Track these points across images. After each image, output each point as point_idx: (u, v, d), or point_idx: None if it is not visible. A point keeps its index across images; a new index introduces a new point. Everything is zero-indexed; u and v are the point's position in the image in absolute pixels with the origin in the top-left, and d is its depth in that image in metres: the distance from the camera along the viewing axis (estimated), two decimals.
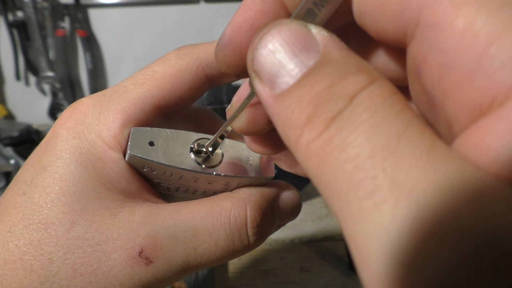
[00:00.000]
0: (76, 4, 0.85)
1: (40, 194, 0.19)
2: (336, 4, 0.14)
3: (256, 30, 0.15)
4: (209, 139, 0.22)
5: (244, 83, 0.18)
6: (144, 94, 0.21)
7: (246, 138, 0.20)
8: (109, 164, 0.20)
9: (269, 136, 0.19)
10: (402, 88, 0.18)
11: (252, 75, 0.14)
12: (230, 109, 0.19)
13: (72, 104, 0.21)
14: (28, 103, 0.95)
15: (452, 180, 0.10)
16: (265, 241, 0.62)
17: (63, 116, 0.21)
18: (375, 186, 0.10)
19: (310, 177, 0.12)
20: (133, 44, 0.92)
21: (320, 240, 0.64)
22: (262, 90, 0.13)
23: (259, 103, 0.17)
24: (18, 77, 0.91)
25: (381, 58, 0.16)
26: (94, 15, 0.89)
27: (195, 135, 0.22)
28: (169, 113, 0.22)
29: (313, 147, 0.12)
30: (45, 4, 0.83)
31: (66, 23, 0.88)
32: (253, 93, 0.16)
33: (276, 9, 0.15)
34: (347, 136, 0.11)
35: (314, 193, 0.71)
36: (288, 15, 0.15)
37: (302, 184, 0.69)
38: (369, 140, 0.11)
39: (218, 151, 0.22)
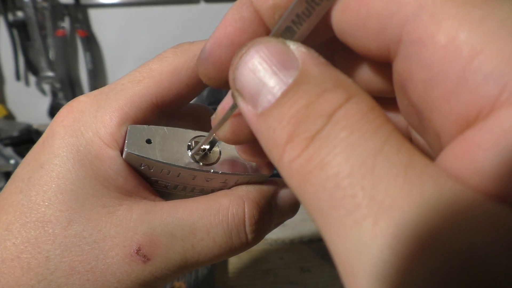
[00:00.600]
0: (76, 4, 0.85)
1: (37, 192, 0.19)
2: (314, 22, 0.14)
3: (236, 46, 0.15)
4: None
5: (228, 94, 0.18)
6: (141, 91, 0.21)
7: (237, 149, 0.20)
8: (106, 162, 0.20)
9: (257, 145, 0.19)
10: (390, 99, 0.18)
11: (235, 93, 0.14)
12: (215, 118, 0.19)
13: (69, 102, 0.21)
14: (28, 103, 0.95)
15: (429, 197, 0.10)
16: (265, 241, 0.62)
17: (60, 114, 0.21)
18: (355, 204, 0.11)
19: (295, 194, 0.13)
20: (133, 44, 0.92)
21: (320, 240, 0.64)
22: (245, 108, 0.14)
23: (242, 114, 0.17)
24: (18, 77, 0.91)
25: (368, 71, 0.16)
26: (94, 15, 0.89)
27: (192, 133, 0.22)
28: (167, 111, 0.22)
29: (294, 165, 0.12)
30: (45, 4, 0.83)
31: (66, 23, 0.88)
32: (235, 105, 0.17)
33: (255, 26, 0.15)
34: (326, 155, 0.11)
35: None
36: (267, 32, 0.15)
37: None
38: (348, 159, 0.11)
39: (216, 148, 0.22)
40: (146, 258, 0.19)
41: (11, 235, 0.19)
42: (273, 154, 0.13)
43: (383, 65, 0.15)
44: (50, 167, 0.19)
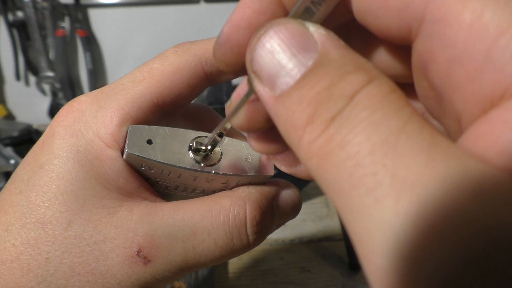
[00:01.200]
0: (76, 4, 0.85)
1: (37, 193, 0.19)
2: (334, 2, 0.14)
3: (254, 28, 0.15)
4: (208, 137, 0.22)
5: (243, 80, 0.18)
6: (142, 91, 0.21)
7: (248, 136, 0.19)
8: (106, 163, 0.20)
9: (270, 134, 0.19)
10: (407, 84, 0.18)
11: (252, 75, 0.14)
12: (230, 106, 0.18)
13: (69, 102, 0.21)
14: (28, 103, 0.95)
15: (453, 174, 0.10)
16: (265, 241, 0.62)
17: (60, 114, 0.21)
18: (376, 182, 0.10)
19: (313, 176, 0.12)
20: (133, 44, 0.92)
21: (320, 240, 0.64)
22: (262, 90, 0.13)
23: (258, 100, 0.17)
24: (18, 77, 0.91)
25: (384, 55, 0.16)
26: (94, 15, 0.89)
27: (193, 133, 0.22)
28: (168, 111, 0.22)
29: (314, 146, 0.12)
30: (45, 4, 0.83)
31: (66, 23, 0.88)
32: (251, 90, 0.16)
33: (274, 7, 0.15)
34: (347, 134, 0.11)
35: (314, 193, 0.71)
36: (286, 13, 0.15)
37: (302, 184, 0.69)
38: (369, 137, 0.11)
39: (217, 149, 0.22)
40: (146, 260, 0.19)
41: (11, 236, 0.19)
42: (292, 137, 0.13)
43: (401, 49, 0.15)
44: (50, 168, 0.19)
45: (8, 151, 0.81)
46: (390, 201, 0.10)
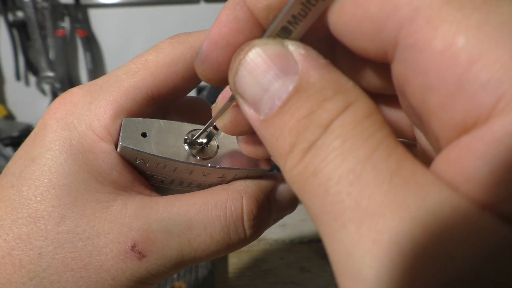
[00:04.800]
0: (76, 4, 0.85)
1: (29, 187, 0.19)
2: (310, 22, 0.14)
3: (232, 47, 0.15)
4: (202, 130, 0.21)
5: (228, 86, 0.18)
6: (136, 84, 0.20)
7: (237, 140, 0.20)
8: (100, 156, 0.19)
9: (258, 138, 0.19)
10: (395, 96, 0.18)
11: (237, 96, 0.14)
12: (215, 107, 0.19)
13: (62, 94, 0.21)
14: (28, 103, 0.95)
15: (412, 205, 0.10)
16: (265, 241, 0.62)
17: (52, 107, 0.20)
18: (342, 209, 0.11)
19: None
20: (133, 44, 0.92)
21: (320, 240, 0.63)
22: (247, 111, 0.14)
23: None
24: (18, 77, 0.91)
25: (370, 68, 0.16)
26: (94, 15, 0.89)
27: (189, 126, 0.21)
28: (163, 103, 0.22)
29: (294, 173, 0.13)
30: (45, 4, 0.83)
31: (66, 23, 0.88)
32: (233, 97, 0.16)
33: (250, 26, 0.15)
34: (319, 164, 0.12)
35: None
36: (263, 31, 0.15)
37: None
38: (338, 166, 0.12)
39: (213, 142, 0.21)
40: (141, 255, 0.19)
41: (2, 231, 0.18)
42: (277, 160, 0.14)
43: (383, 66, 0.15)
44: (42, 161, 0.19)
45: (8, 151, 0.81)
46: (352, 229, 0.11)
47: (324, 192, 0.12)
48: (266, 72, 0.13)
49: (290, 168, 0.13)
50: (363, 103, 0.12)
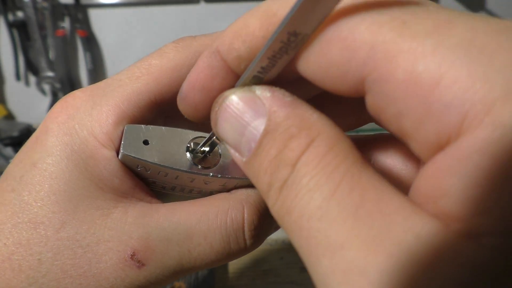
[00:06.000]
0: (76, 4, 0.85)
1: (29, 192, 0.19)
2: (279, 70, 0.15)
3: (208, 90, 0.17)
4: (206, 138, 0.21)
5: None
6: (139, 89, 0.20)
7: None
8: (101, 163, 0.19)
9: None
10: None
11: (223, 141, 0.16)
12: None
13: (64, 97, 0.20)
14: (28, 103, 0.95)
15: (375, 236, 0.11)
16: (265, 241, 0.62)
17: (54, 110, 0.20)
18: (315, 244, 0.12)
19: None
20: (133, 44, 0.92)
21: None
22: (233, 153, 0.16)
23: None
24: (18, 77, 0.91)
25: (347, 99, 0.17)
26: (94, 15, 0.89)
27: (192, 134, 0.21)
28: (166, 109, 0.21)
29: (274, 211, 0.14)
30: (45, 4, 0.83)
31: (66, 23, 0.88)
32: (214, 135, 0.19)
33: (224, 73, 0.17)
34: (291, 202, 0.13)
35: None
36: (236, 76, 0.17)
37: None
38: (307, 204, 0.12)
39: (216, 150, 0.21)
40: (140, 264, 0.19)
41: (2, 236, 0.18)
42: (263, 196, 0.15)
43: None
44: (43, 166, 0.19)
45: (8, 151, 0.81)
46: (326, 261, 0.12)
47: (298, 228, 0.13)
48: (239, 118, 0.15)
49: (271, 205, 0.14)
50: (326, 136, 0.13)
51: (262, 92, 0.15)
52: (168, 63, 0.20)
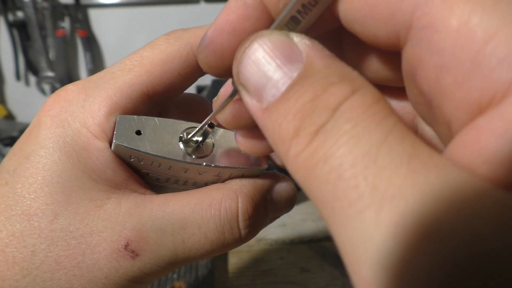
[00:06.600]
0: (76, 4, 0.85)
1: (23, 184, 0.19)
2: (320, 11, 0.14)
3: (238, 33, 0.15)
4: (198, 128, 0.21)
5: (229, 80, 0.18)
6: (131, 80, 0.20)
7: (235, 135, 0.19)
8: (94, 154, 0.19)
9: (257, 133, 0.18)
10: (398, 88, 0.17)
11: (239, 87, 0.14)
12: (217, 101, 0.18)
13: (57, 91, 0.21)
14: (28, 103, 0.96)
15: (433, 185, 0.10)
16: (265, 241, 0.62)
17: (47, 103, 0.20)
18: (358, 195, 0.11)
19: (302, 188, 0.13)
20: (133, 44, 0.92)
21: (320, 240, 0.63)
22: (249, 102, 0.14)
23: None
24: (18, 77, 0.91)
25: (376, 59, 0.16)
26: (94, 15, 0.89)
27: (184, 124, 0.21)
28: (159, 101, 0.21)
29: (300, 160, 0.12)
30: (45, 4, 0.83)
31: (66, 23, 0.88)
32: (235, 91, 0.16)
33: (258, 13, 0.15)
34: (330, 148, 0.11)
35: None
36: (270, 19, 0.15)
37: None
38: (351, 150, 0.11)
39: (209, 140, 0.21)
40: (134, 254, 0.18)
41: None
42: (279, 149, 0.13)
43: (392, 54, 0.15)
44: (36, 159, 0.19)
45: (8, 151, 0.81)
46: (371, 213, 0.10)
47: (336, 178, 0.11)
48: (270, 61, 0.13)
49: (295, 154, 0.12)
50: (370, 89, 0.12)
51: (301, 40, 0.13)
52: (159, 54, 0.21)
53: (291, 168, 0.13)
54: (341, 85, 0.12)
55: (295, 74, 0.13)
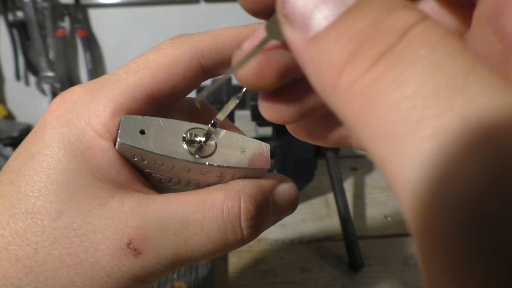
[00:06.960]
0: (76, 4, 0.86)
1: (27, 182, 0.19)
2: None
3: None
4: (203, 129, 0.21)
5: (259, 28, 0.16)
6: (136, 82, 0.20)
7: (260, 100, 0.18)
8: (98, 153, 0.19)
9: (283, 97, 0.17)
10: None
11: (282, 20, 0.13)
12: (238, 54, 0.16)
13: (63, 92, 0.21)
14: (28, 103, 0.95)
15: None
16: (265, 241, 0.62)
17: (53, 104, 0.20)
18: (441, 126, 0.09)
19: (351, 124, 0.11)
20: (133, 44, 0.92)
21: (320, 240, 0.63)
22: (292, 35, 0.12)
23: (273, 50, 0.15)
24: (18, 77, 0.91)
25: (438, 8, 0.15)
26: (94, 15, 0.89)
27: (188, 125, 0.21)
28: (163, 103, 0.22)
29: (357, 87, 0.11)
30: (45, 4, 0.83)
31: (66, 23, 0.88)
32: (268, 38, 0.15)
33: None
34: (402, 73, 0.10)
35: (314, 193, 0.71)
36: None
37: (302, 184, 0.68)
38: (431, 77, 0.10)
39: (212, 141, 0.21)
40: (137, 252, 0.19)
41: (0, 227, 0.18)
42: (325, 81, 0.11)
43: (454, 5, 0.13)
44: (40, 158, 0.19)
45: (8, 151, 0.81)
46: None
47: (411, 107, 0.10)
48: None
49: (349, 81, 0.11)
50: (437, 22, 0.11)
51: None
52: (164, 58, 0.21)
53: (342, 100, 0.11)
54: (408, 10, 0.11)
55: (350, 2, 0.11)
